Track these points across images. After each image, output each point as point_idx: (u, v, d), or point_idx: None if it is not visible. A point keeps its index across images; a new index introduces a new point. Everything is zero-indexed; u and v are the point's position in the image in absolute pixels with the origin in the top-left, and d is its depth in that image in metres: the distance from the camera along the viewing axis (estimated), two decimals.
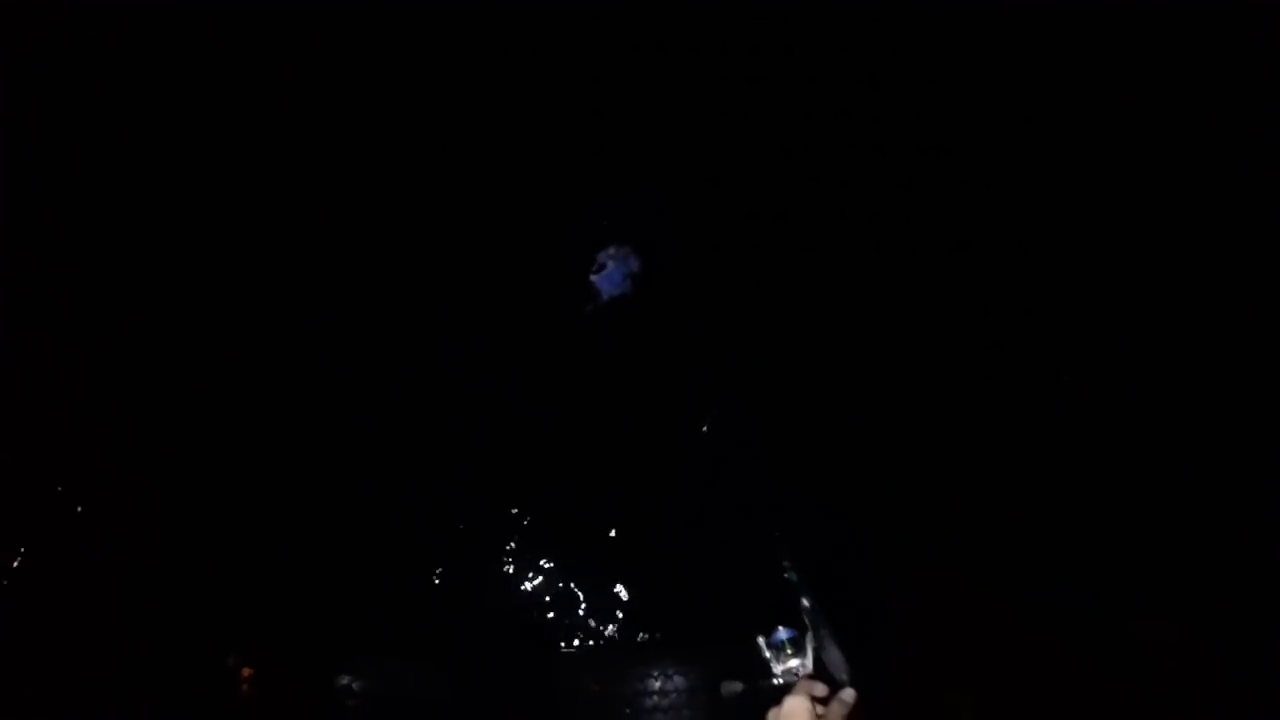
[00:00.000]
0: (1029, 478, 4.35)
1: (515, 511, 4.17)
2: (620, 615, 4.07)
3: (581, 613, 4.04)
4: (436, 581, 3.99)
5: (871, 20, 4.30)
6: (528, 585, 4.08)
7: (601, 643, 3.97)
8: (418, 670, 3.75)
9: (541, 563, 4.14)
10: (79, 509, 4.02)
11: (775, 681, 1.25)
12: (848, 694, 1.16)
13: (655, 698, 3.48)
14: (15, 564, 3.89)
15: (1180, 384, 4.05)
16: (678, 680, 3.49)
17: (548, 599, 4.08)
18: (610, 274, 4.29)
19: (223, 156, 4.30)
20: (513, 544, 4.11)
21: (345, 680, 3.78)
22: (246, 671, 3.92)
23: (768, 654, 1.28)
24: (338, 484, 4.13)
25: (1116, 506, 4.19)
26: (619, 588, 4.09)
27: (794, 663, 1.27)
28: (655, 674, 3.49)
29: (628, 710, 3.50)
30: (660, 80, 4.35)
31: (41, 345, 4.13)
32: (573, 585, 4.08)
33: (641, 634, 3.99)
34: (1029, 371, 4.26)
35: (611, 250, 4.32)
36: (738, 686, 3.14)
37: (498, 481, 4.20)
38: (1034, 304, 4.28)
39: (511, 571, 4.09)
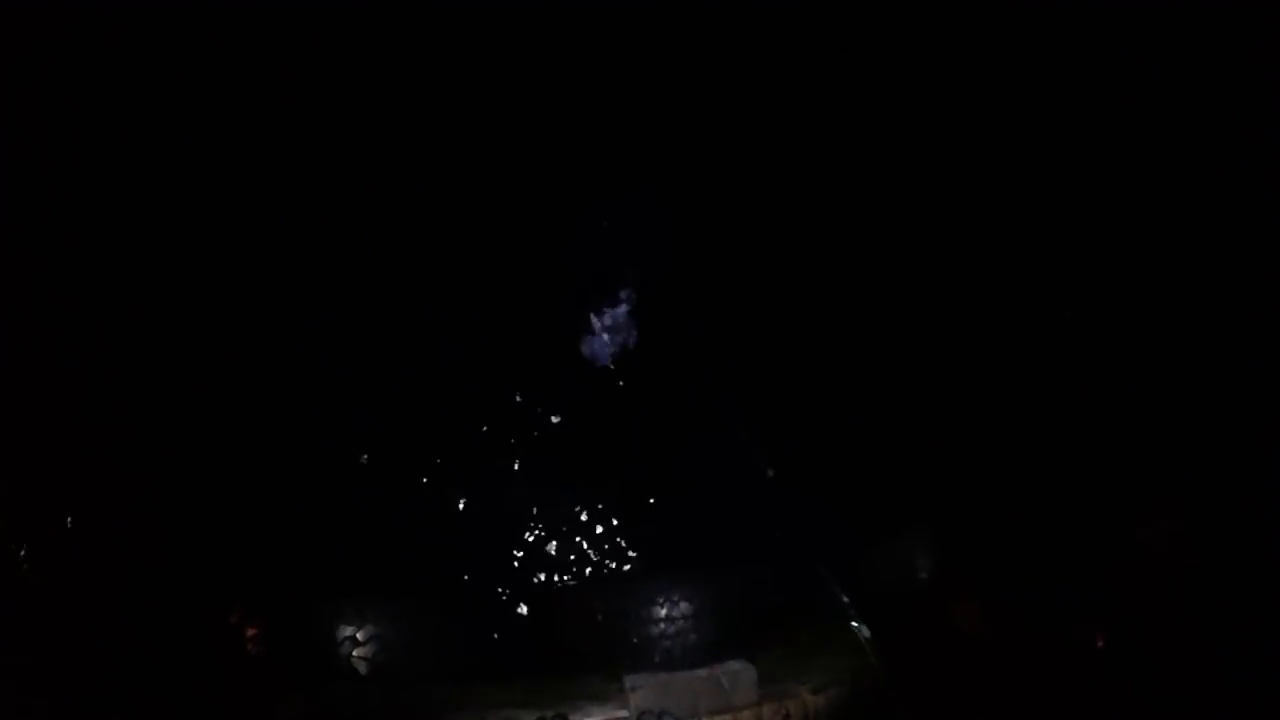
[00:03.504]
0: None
1: (515, 443, 4.16)
2: (624, 544, 4.06)
3: (586, 542, 4.02)
4: (440, 518, 3.96)
5: (871, 20, 4.41)
6: (531, 516, 4.08)
7: (606, 572, 3.95)
8: (423, 609, 3.72)
9: (545, 493, 4.11)
10: (75, 472, 4.00)
11: None
12: None
13: (662, 625, 3.45)
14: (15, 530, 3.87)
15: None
16: (684, 607, 3.47)
17: (551, 529, 4.07)
18: (608, 335, 4.39)
19: (222, 156, 4.30)
20: (514, 476, 4.09)
21: (350, 631, 3.76)
22: (250, 630, 3.89)
23: None
24: (333, 428, 4.13)
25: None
26: (623, 516, 4.10)
27: None
28: (661, 601, 3.46)
29: (635, 639, 3.47)
30: (660, 81, 4.42)
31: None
32: (576, 515, 4.08)
33: (646, 562, 3.98)
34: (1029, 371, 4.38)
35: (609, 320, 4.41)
36: None
37: (496, 414, 4.20)
38: (1033, 304, 4.43)
39: (514, 503, 4.07)
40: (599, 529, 4.14)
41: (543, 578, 4.01)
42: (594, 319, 4.39)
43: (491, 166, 4.37)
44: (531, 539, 4.10)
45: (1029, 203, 4.47)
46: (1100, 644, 3.69)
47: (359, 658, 3.75)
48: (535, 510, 4.14)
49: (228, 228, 4.27)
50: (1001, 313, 4.48)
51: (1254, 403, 4.00)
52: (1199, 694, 3.20)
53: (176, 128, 4.24)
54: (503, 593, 3.83)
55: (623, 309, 4.39)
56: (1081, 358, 4.47)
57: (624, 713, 3.32)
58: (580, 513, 4.17)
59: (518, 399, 4.22)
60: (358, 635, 3.74)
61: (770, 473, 4.06)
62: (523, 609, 3.72)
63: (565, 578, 4.00)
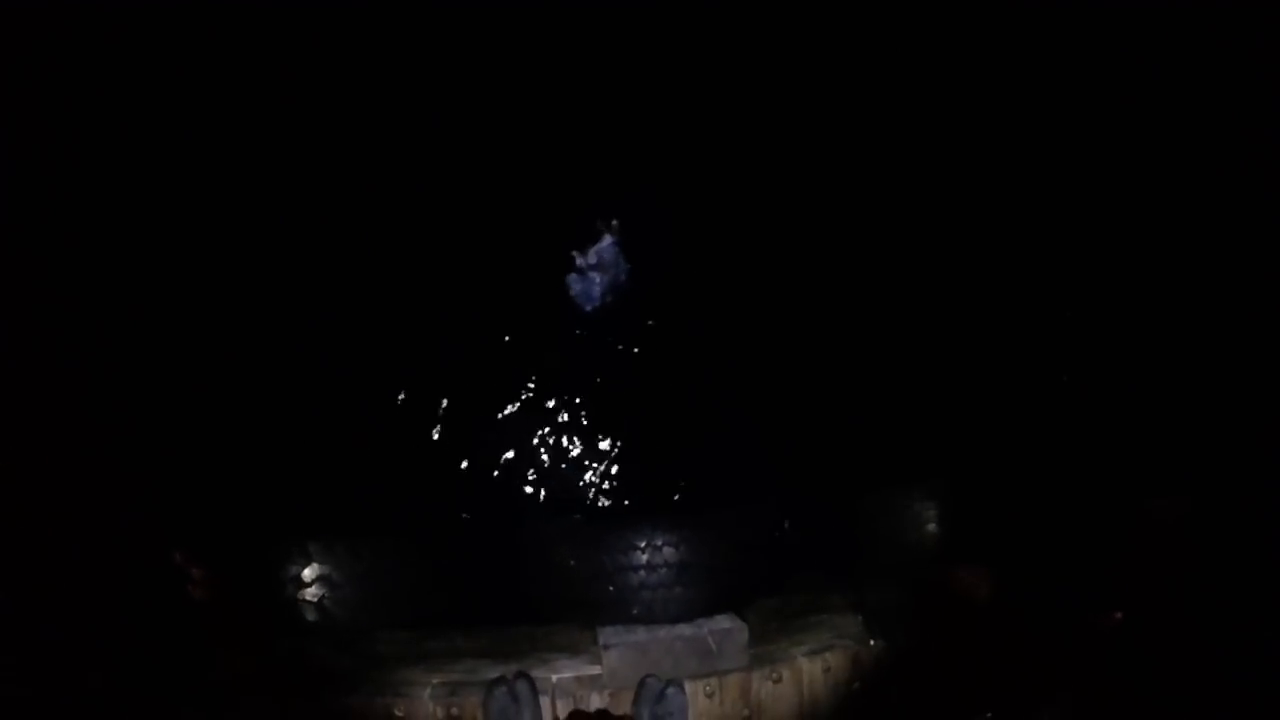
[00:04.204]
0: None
1: (479, 366, 3.80)
2: (601, 480, 3.73)
3: (561, 478, 3.68)
4: (391, 451, 3.62)
5: (871, 20, 4.27)
6: (495, 448, 3.72)
7: (579, 512, 3.62)
8: (378, 549, 3.37)
9: (511, 423, 3.75)
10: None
11: None
12: None
13: (642, 573, 3.08)
14: None
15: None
16: (668, 553, 3.10)
17: (517, 464, 3.70)
18: (600, 272, 4.04)
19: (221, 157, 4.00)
20: (479, 401, 3.76)
21: (295, 570, 3.41)
22: (196, 571, 3.54)
23: None
24: (287, 346, 3.77)
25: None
26: (599, 449, 3.74)
27: None
28: (642, 546, 3.09)
29: (611, 588, 3.11)
30: (660, 81, 4.24)
31: None
32: (545, 447, 3.73)
33: (626, 502, 3.65)
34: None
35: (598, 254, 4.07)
36: None
37: (458, 337, 3.84)
38: (1033, 304, 4.29)
39: (477, 433, 3.74)
40: (575, 464, 3.79)
41: (512, 516, 3.65)
42: (577, 256, 4.04)
43: (491, 166, 4.16)
44: (501, 474, 3.74)
45: (1055, 188, 4.38)
46: (1116, 624, 3.45)
47: (306, 599, 3.40)
48: (506, 442, 3.78)
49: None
50: (1022, 292, 4.36)
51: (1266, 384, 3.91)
52: (1209, 683, 2.98)
53: (176, 125, 3.98)
54: (467, 532, 3.48)
55: (608, 242, 4.04)
56: (1096, 337, 4.30)
57: (597, 669, 2.98)
58: (556, 445, 3.81)
59: (485, 321, 3.86)
60: (304, 574, 3.39)
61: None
62: (489, 550, 3.35)
63: (537, 516, 3.64)
